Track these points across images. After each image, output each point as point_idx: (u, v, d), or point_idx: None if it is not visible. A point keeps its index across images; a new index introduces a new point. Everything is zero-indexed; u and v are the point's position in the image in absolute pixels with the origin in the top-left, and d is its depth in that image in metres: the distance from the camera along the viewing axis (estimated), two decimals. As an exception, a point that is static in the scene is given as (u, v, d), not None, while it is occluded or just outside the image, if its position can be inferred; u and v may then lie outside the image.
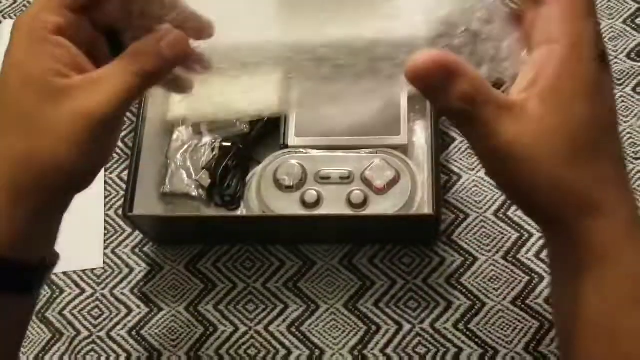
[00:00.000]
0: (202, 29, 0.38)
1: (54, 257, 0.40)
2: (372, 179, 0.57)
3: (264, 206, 0.58)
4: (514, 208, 0.59)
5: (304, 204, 0.58)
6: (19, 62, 0.35)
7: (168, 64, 0.35)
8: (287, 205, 0.58)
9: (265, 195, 0.59)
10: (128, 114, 0.68)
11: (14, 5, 0.76)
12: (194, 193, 0.61)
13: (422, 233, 0.58)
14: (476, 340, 0.55)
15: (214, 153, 0.62)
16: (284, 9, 0.62)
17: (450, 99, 0.31)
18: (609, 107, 0.32)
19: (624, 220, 0.32)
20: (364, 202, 0.57)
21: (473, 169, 0.62)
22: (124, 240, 0.63)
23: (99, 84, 0.34)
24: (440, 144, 0.62)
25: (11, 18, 0.75)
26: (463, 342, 0.55)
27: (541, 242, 0.57)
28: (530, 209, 0.34)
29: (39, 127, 0.34)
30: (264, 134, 0.63)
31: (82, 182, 0.38)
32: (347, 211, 0.57)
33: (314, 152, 0.60)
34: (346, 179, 0.58)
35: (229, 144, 0.62)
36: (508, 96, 0.32)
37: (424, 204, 0.57)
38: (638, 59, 0.64)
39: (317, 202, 0.58)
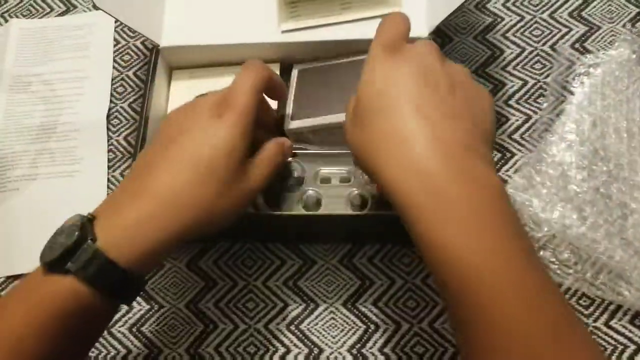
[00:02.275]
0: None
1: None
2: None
3: (265, 206, 0.58)
4: (513, 209, 0.59)
5: (305, 204, 0.58)
6: (229, 135, 0.45)
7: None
8: (288, 206, 0.58)
9: (266, 195, 0.59)
10: (131, 112, 0.69)
11: (20, 5, 0.77)
12: None
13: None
14: (474, 340, 0.56)
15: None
16: (285, 11, 0.63)
17: None
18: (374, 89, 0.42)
19: None
20: (364, 203, 0.57)
21: (473, 170, 0.62)
22: (125, 238, 0.63)
23: (259, 168, 0.48)
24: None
25: (17, 17, 0.76)
26: (461, 342, 0.56)
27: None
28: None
29: (226, 191, 0.45)
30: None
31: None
32: (348, 211, 0.57)
33: (314, 152, 0.60)
34: (346, 180, 0.59)
35: None
36: None
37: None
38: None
39: (318, 203, 0.58)
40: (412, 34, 0.60)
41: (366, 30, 0.61)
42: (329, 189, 0.58)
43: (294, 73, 0.62)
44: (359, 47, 0.62)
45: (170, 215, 0.43)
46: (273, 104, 0.61)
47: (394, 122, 0.40)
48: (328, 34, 0.62)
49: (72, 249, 0.41)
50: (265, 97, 0.52)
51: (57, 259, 0.41)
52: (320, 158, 0.60)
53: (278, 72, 0.63)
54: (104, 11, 0.59)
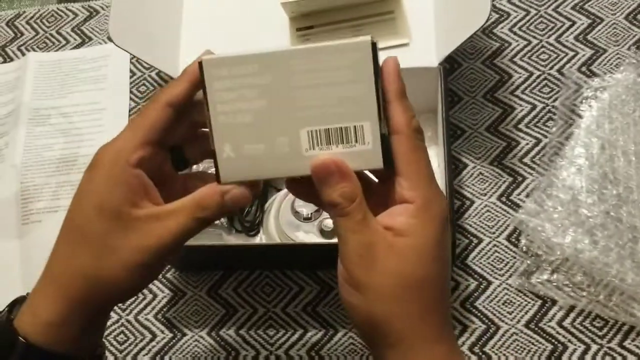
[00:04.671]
0: None
1: (102, 348, 0.45)
2: None
3: (283, 235, 0.60)
4: (525, 233, 0.61)
5: (322, 232, 0.60)
6: (97, 190, 0.39)
7: (226, 214, 0.39)
8: (305, 234, 0.60)
9: (283, 225, 0.61)
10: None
11: (36, 37, 0.78)
12: (216, 220, 0.63)
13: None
14: (491, 362, 0.57)
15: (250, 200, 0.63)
16: (297, 42, 0.65)
17: (335, 192, 0.37)
18: (442, 266, 0.38)
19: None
20: None
21: (485, 194, 0.64)
22: (147, 267, 0.65)
23: (162, 221, 0.39)
24: (452, 169, 0.64)
25: (34, 50, 0.77)
26: (478, 364, 0.57)
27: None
28: (353, 312, 0.38)
29: (106, 252, 0.39)
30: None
31: (130, 296, 0.43)
32: None
33: None
34: None
35: None
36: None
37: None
38: None
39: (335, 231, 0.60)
40: (422, 64, 0.62)
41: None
42: None
43: None
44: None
45: (52, 286, 0.40)
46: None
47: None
48: None
49: None
50: None
51: None
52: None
53: None
54: (121, 48, 0.61)
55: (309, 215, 0.60)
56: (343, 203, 0.37)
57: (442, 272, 0.38)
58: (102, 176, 0.39)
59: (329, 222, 0.60)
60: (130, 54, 0.62)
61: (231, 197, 0.39)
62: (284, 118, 0.38)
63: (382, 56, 0.63)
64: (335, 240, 0.59)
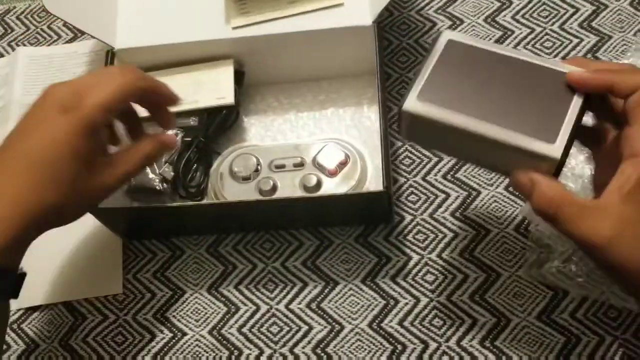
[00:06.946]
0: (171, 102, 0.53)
1: (22, 269, 0.50)
2: (323, 163, 0.60)
3: (222, 198, 0.61)
4: (534, 223, 0.59)
5: (260, 192, 0.60)
6: (76, 136, 0.45)
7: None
8: (244, 195, 0.60)
9: (224, 186, 0.61)
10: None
11: (27, 33, 0.76)
12: (159, 187, 0.62)
13: (378, 211, 0.60)
14: (503, 357, 0.55)
15: (176, 147, 0.63)
16: (234, 8, 0.64)
17: (535, 203, 0.41)
18: None
19: None
20: (318, 186, 0.60)
21: (492, 185, 0.62)
22: (144, 265, 0.63)
23: (115, 167, 0.49)
24: (388, 118, 0.61)
25: (24, 45, 0.75)
26: (490, 359, 0.55)
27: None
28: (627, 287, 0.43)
29: (74, 192, 0.46)
30: (222, 126, 0.65)
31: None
32: (302, 194, 0.60)
33: (268, 144, 0.64)
34: (299, 165, 0.61)
35: (190, 138, 0.63)
36: (591, 199, 0.41)
37: (379, 183, 0.58)
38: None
39: (273, 190, 0.60)
40: (355, 23, 0.61)
41: (312, 23, 0.63)
42: (283, 175, 0.61)
43: (441, 40, 0.47)
44: (310, 39, 0.63)
45: (11, 217, 0.45)
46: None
47: None
48: (277, 28, 0.63)
49: None
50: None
51: None
52: (274, 148, 0.63)
53: (232, 68, 0.64)
54: (56, 16, 0.61)
55: (248, 175, 0.61)
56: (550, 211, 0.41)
57: None
58: (80, 121, 0.45)
59: (267, 182, 0.60)
60: (66, 22, 0.61)
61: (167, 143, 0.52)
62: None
63: (316, 17, 0.62)
64: (275, 196, 0.59)
